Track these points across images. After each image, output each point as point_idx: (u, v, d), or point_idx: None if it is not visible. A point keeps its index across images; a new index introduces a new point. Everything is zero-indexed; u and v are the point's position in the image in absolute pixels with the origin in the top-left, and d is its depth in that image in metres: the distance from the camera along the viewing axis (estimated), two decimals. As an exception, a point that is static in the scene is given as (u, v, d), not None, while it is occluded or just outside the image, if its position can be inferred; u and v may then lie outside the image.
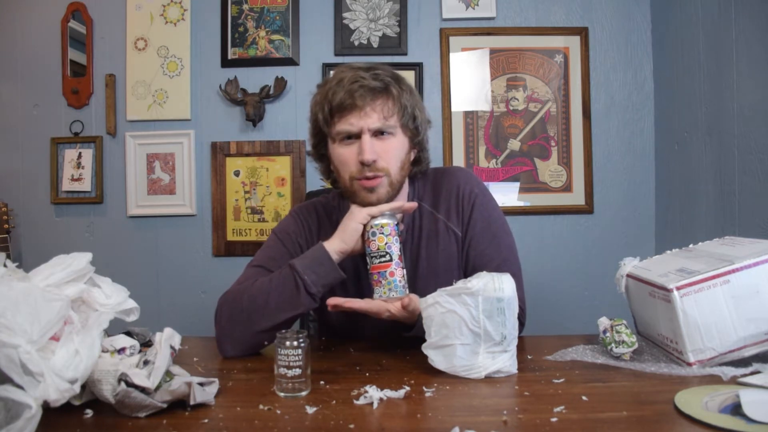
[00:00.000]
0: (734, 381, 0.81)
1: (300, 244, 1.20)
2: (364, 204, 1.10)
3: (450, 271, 1.17)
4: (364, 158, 1.06)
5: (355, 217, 1.06)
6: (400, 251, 1.05)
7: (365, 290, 1.18)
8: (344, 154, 1.10)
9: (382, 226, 1.04)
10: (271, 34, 2.30)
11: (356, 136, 1.08)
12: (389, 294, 1.02)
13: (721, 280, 0.87)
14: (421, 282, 1.15)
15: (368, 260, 1.05)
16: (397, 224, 1.06)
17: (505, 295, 0.88)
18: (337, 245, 1.06)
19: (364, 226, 1.06)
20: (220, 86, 2.29)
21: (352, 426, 0.69)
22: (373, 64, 1.13)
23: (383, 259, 1.03)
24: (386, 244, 1.03)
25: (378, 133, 1.09)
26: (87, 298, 0.80)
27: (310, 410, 0.74)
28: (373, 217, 1.05)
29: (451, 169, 1.26)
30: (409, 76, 2.28)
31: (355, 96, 1.05)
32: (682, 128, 2.05)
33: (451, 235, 1.19)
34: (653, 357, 0.95)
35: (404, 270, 1.05)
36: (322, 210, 1.25)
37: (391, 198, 1.12)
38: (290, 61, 2.29)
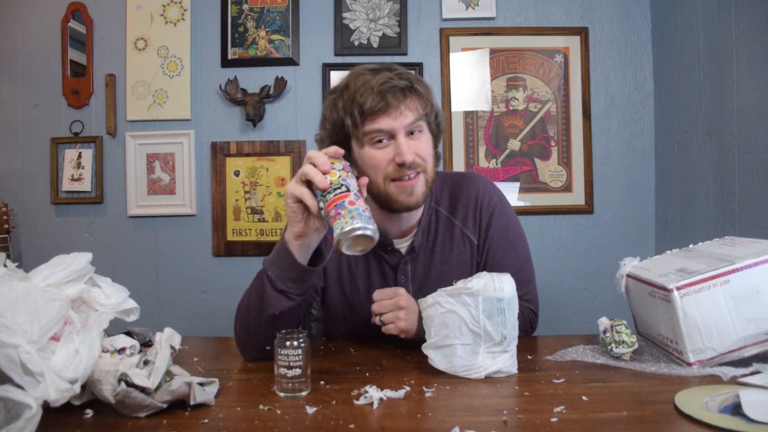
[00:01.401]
0: (734, 381, 0.81)
1: None
2: (403, 206, 1.09)
3: (462, 277, 1.16)
4: (405, 159, 1.04)
5: (287, 196, 0.93)
6: (358, 186, 0.90)
7: (375, 287, 1.18)
8: (377, 157, 1.07)
9: (333, 163, 0.90)
10: (271, 34, 2.30)
11: (388, 138, 1.06)
12: (352, 223, 0.82)
13: (721, 280, 0.87)
14: (431, 285, 1.13)
15: (323, 203, 0.88)
16: (350, 165, 0.94)
17: (505, 295, 0.88)
18: (290, 232, 0.95)
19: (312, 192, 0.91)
20: (220, 86, 2.29)
21: (352, 426, 0.69)
22: (388, 64, 1.11)
23: (339, 191, 0.87)
24: (339, 177, 0.89)
25: (410, 132, 1.08)
26: (87, 298, 0.80)
27: (310, 410, 0.74)
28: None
29: (470, 176, 1.26)
30: (409, 76, 2.27)
31: (387, 97, 1.03)
32: (682, 128, 2.05)
33: (467, 242, 1.20)
34: (653, 357, 0.95)
35: (368, 207, 0.88)
36: None
37: (423, 201, 1.11)
38: (290, 61, 2.29)
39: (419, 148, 1.08)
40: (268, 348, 0.97)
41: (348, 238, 0.83)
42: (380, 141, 1.06)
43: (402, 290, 1.05)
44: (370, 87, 1.04)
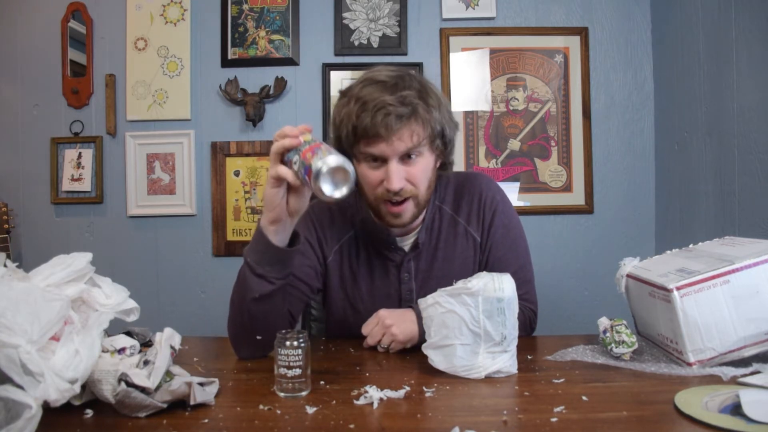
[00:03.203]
0: (734, 381, 0.81)
1: (309, 240, 1.18)
2: (389, 225, 1.11)
3: (465, 274, 1.16)
4: (392, 187, 1.03)
5: (267, 182, 0.94)
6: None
7: (377, 288, 1.18)
8: (369, 176, 1.07)
9: (305, 131, 0.91)
10: (271, 34, 2.30)
11: (382, 160, 1.05)
12: (329, 154, 0.85)
13: (721, 280, 0.87)
14: (434, 283, 1.14)
15: (297, 156, 0.89)
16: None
17: (505, 295, 0.88)
18: (264, 217, 0.96)
19: (284, 163, 0.92)
20: (220, 86, 2.29)
21: (352, 426, 0.69)
22: (399, 77, 1.06)
23: (314, 143, 0.89)
24: (313, 138, 0.91)
25: (405, 157, 1.05)
26: (87, 298, 0.80)
27: (310, 410, 0.74)
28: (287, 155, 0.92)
29: (474, 175, 1.27)
30: (409, 76, 2.27)
31: (379, 126, 1.01)
32: (682, 128, 2.05)
33: (470, 240, 1.21)
34: (653, 357, 0.95)
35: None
36: (335, 206, 1.23)
37: (414, 219, 1.12)
38: (290, 61, 2.29)
39: (412, 173, 1.06)
40: (259, 338, 0.99)
41: (328, 168, 0.84)
42: (374, 161, 1.06)
43: (381, 312, 1.06)
44: (366, 109, 1.02)
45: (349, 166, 0.85)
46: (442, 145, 1.11)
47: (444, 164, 1.18)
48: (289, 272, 1.01)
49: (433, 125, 1.06)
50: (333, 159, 0.84)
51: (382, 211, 1.10)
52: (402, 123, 1.02)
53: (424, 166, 1.08)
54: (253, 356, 1.02)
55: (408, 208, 1.09)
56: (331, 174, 0.84)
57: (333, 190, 0.86)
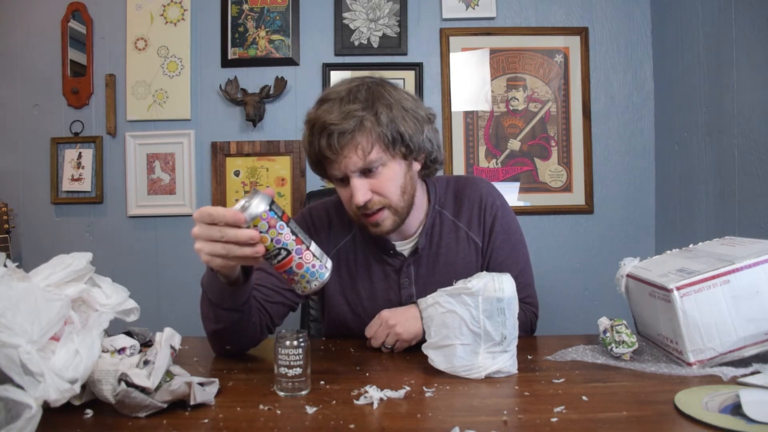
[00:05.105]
0: (734, 381, 0.81)
1: None
2: (374, 234, 1.12)
3: None
4: (357, 202, 1.04)
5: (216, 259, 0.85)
6: (293, 231, 0.82)
7: (377, 293, 1.19)
8: (343, 194, 1.09)
9: (255, 225, 0.80)
10: (271, 34, 2.30)
11: (347, 178, 1.05)
12: (309, 286, 0.85)
13: (721, 280, 0.87)
14: (435, 288, 1.13)
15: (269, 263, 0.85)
16: (271, 205, 0.80)
17: (505, 295, 0.88)
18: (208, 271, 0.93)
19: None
20: (220, 86, 2.29)
21: (352, 426, 0.69)
22: (348, 90, 1.04)
23: (280, 257, 0.82)
24: (272, 239, 0.80)
25: (367, 170, 1.04)
26: (87, 298, 0.80)
27: (310, 410, 0.74)
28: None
29: (474, 179, 1.27)
30: (409, 76, 2.28)
31: (325, 149, 1.01)
32: (682, 128, 2.05)
33: (472, 245, 1.20)
34: (653, 357, 0.95)
35: (310, 247, 0.84)
36: (333, 210, 1.23)
37: (399, 226, 1.11)
38: (290, 61, 2.29)
39: (376, 185, 1.05)
40: (228, 348, 1.03)
41: (311, 293, 0.88)
42: (340, 180, 1.07)
43: (383, 312, 1.07)
44: (315, 132, 1.03)
45: (329, 275, 0.87)
46: (406, 149, 1.06)
47: (429, 163, 1.15)
48: (248, 298, 0.97)
49: (385, 133, 1.02)
50: (314, 287, 0.86)
51: (363, 223, 1.11)
52: (345, 140, 1.00)
53: (389, 175, 1.06)
54: (233, 355, 1.04)
55: (384, 217, 1.08)
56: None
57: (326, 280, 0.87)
